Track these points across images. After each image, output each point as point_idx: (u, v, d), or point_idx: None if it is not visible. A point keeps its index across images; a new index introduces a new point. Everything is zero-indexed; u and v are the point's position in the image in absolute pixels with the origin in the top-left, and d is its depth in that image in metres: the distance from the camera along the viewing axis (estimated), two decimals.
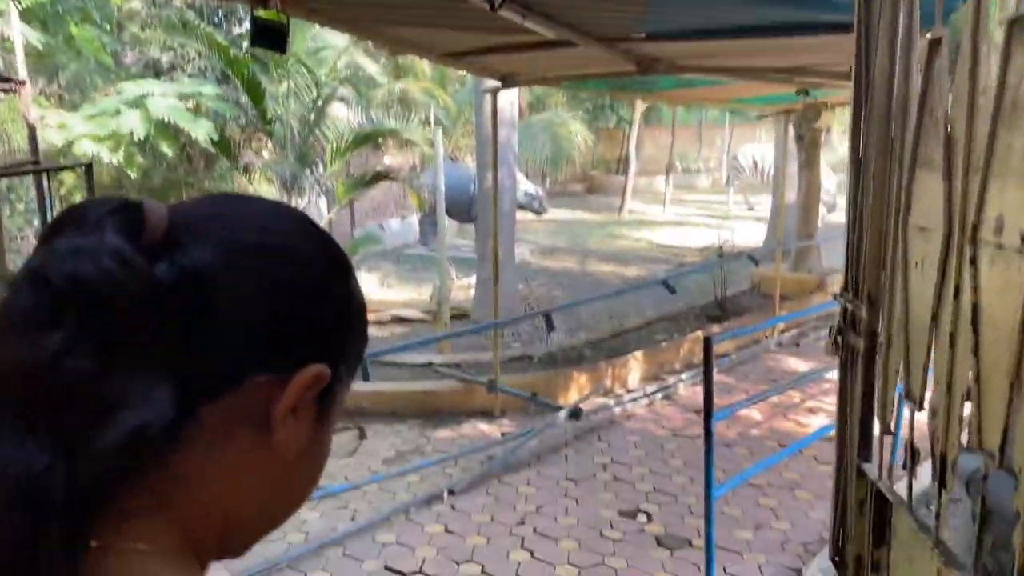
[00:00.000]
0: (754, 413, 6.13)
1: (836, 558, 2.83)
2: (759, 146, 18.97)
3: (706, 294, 9.44)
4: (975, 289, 1.84)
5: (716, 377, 7.07)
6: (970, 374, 1.83)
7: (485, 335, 7.12)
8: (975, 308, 1.83)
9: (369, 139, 6.39)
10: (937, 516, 2.01)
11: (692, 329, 7.86)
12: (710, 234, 15.42)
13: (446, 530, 4.28)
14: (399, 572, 3.84)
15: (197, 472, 0.51)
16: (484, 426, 5.84)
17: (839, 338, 2.77)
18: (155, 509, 0.50)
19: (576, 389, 6.33)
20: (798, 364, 7.37)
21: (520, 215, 18.34)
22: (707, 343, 3.18)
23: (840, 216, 15.17)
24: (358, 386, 5.96)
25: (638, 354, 6.80)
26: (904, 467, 2.25)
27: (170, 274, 0.49)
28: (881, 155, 2.48)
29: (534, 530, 4.28)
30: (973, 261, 1.86)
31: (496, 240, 5.92)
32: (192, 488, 0.52)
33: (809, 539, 4.25)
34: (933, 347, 2.08)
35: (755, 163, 17.62)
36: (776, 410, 6.20)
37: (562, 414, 5.59)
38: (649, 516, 4.48)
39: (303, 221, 0.59)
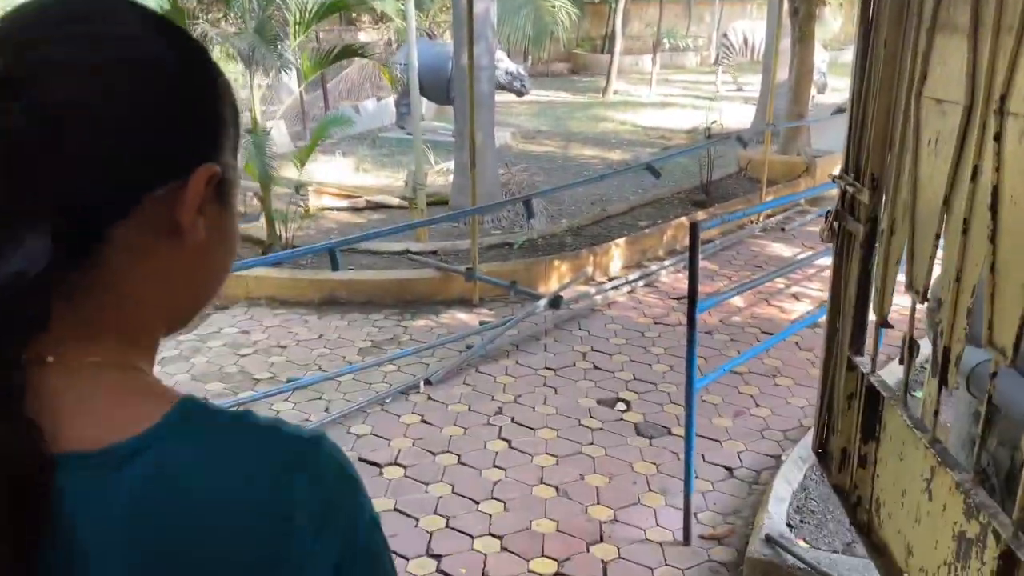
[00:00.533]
0: (737, 299, 6.03)
1: (820, 450, 2.75)
2: (750, 23, 18.21)
3: (692, 178, 9.19)
4: (997, 169, 1.63)
5: (700, 263, 6.94)
6: (984, 264, 1.65)
7: (463, 222, 6.90)
8: (995, 191, 1.63)
9: (335, 9, 5.91)
10: (936, 414, 1.88)
11: (676, 215, 7.66)
12: (697, 116, 14.98)
13: (422, 421, 4.20)
14: (374, 463, 3.78)
15: (127, 285, 0.57)
16: (462, 315, 5.71)
17: (836, 223, 2.58)
18: (101, 325, 0.56)
19: (557, 277, 6.18)
20: (783, 249, 7.25)
21: (501, 96, 17.71)
22: (693, 228, 2.99)
23: (831, 97, 14.74)
24: (331, 275, 5.78)
25: (620, 241, 6.63)
26: (900, 361, 2.11)
27: (23, 118, 0.50)
28: (895, 18, 2.21)
29: (512, 420, 4.22)
30: (997, 137, 1.64)
31: (473, 122, 5.59)
32: (127, 300, 0.57)
33: (789, 426, 4.22)
34: (942, 234, 1.90)
35: (745, 40, 16.93)
36: (759, 296, 6.10)
37: (542, 303, 5.46)
38: (628, 405, 4.43)
39: (150, 20, 0.58)
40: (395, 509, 3.42)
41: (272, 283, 5.88)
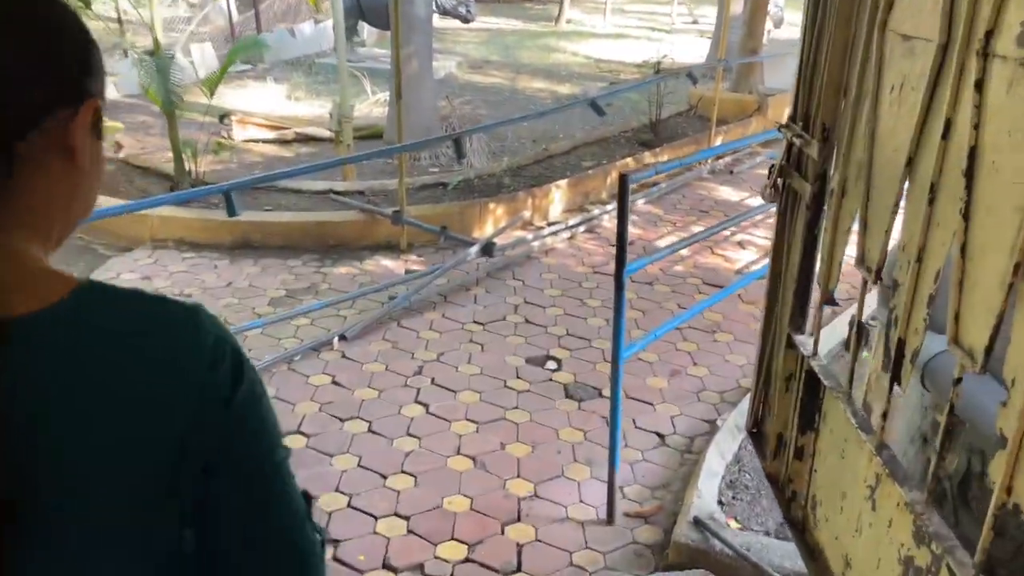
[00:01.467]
0: (680, 247, 5.74)
1: (754, 430, 2.48)
2: None
3: (640, 115, 8.80)
4: (976, 126, 1.29)
5: (642, 207, 6.62)
6: (954, 243, 1.34)
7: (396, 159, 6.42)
8: (972, 153, 1.29)
9: None
10: (884, 415, 1.59)
11: (623, 155, 7.29)
12: (650, 49, 14.49)
13: (333, 382, 3.85)
14: None
15: (32, 195, 0.71)
16: (388, 262, 5.32)
17: (780, 180, 2.24)
18: (15, 223, 0.70)
19: (492, 221, 5.80)
20: (731, 193, 6.96)
21: (448, 24, 16.91)
22: (623, 182, 2.63)
23: (787, 32, 14.29)
24: (245, 216, 5.31)
25: (561, 183, 6.25)
26: (846, 347, 1.82)
27: None
28: None
29: (432, 381, 3.89)
30: (979, 85, 1.29)
31: (397, 46, 5.08)
32: (33, 208, 0.71)
33: (726, 387, 3.98)
34: (903, 202, 1.57)
35: None
36: (703, 244, 5.82)
37: (473, 249, 5.09)
38: (559, 363, 4.13)
39: None
40: None
41: (179, 224, 5.38)
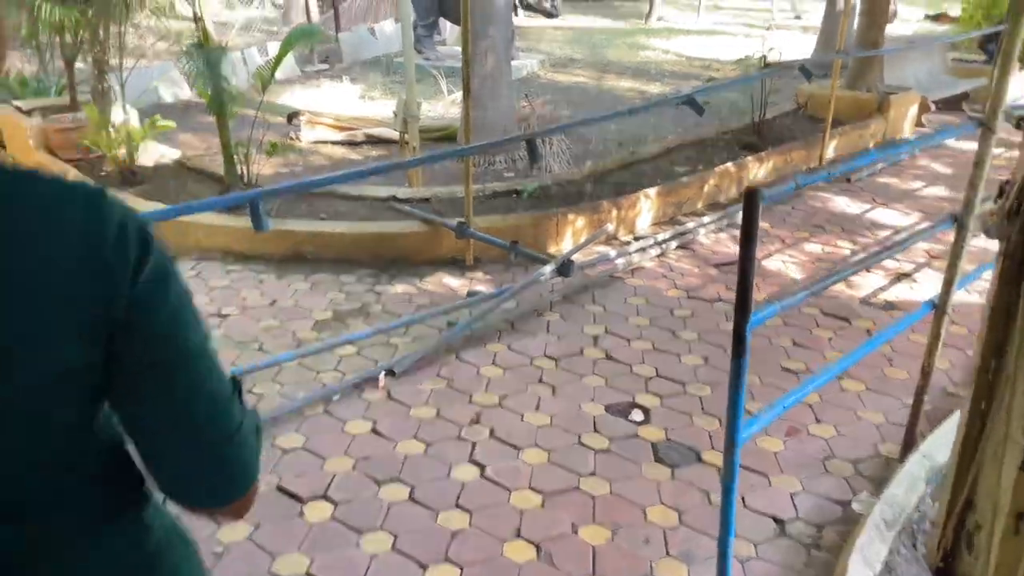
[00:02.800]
0: (790, 268, 4.91)
1: (941, 565, 1.70)
2: None
3: (740, 116, 7.93)
4: None
5: None
6: None
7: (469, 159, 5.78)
8: None
9: None
10: None
11: (721, 159, 6.45)
12: (749, 45, 13.48)
13: (373, 430, 3.22)
14: (294, 496, 2.81)
15: None
16: (451, 280, 4.68)
17: (1020, 205, 1.46)
18: None
19: (571, 235, 5.09)
20: (848, 204, 6.03)
21: (532, 21, 16.28)
22: (751, 199, 1.89)
23: (900, 28, 13.08)
24: (297, 226, 4.79)
25: (651, 191, 5.48)
26: None
27: None
28: None
29: (490, 433, 3.21)
30: None
31: (467, 35, 4.43)
32: None
33: (860, 454, 3.15)
34: None
35: None
36: (819, 264, 4.96)
37: (548, 268, 4.39)
38: (647, 414, 3.39)
39: None
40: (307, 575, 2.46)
41: (226, 233, 4.88)
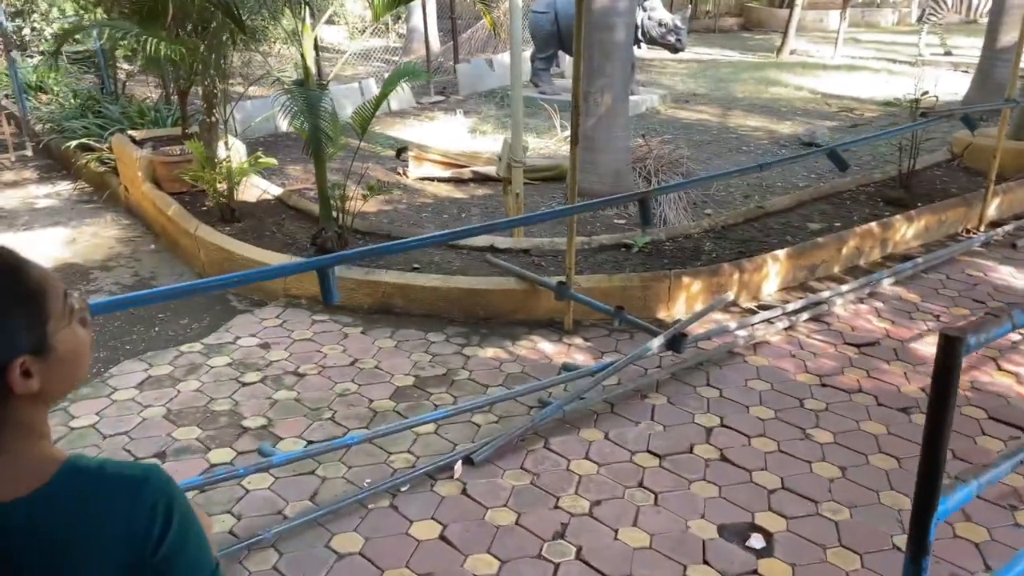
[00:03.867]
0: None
1: None
2: None
3: (882, 163, 7.16)
4: None
5: (889, 290, 5.04)
6: None
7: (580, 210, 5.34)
8: None
9: None
10: None
11: (862, 216, 5.73)
12: (894, 84, 12.46)
13: (442, 537, 2.79)
14: None
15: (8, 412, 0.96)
16: (547, 345, 4.22)
17: None
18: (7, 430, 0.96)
19: (684, 300, 4.54)
20: (1015, 276, 5.18)
21: (654, 53, 15.72)
22: (949, 346, 1.33)
23: None
24: (387, 276, 4.47)
25: (779, 252, 4.85)
26: None
27: None
28: None
29: (576, 553, 2.72)
30: None
31: (579, 83, 3.99)
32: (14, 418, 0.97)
33: None
34: None
35: None
36: (984, 356, 4.19)
37: (656, 342, 3.86)
38: (769, 540, 2.80)
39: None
40: None
41: (313, 281, 4.61)
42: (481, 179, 7.47)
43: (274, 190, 6.06)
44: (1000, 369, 4.03)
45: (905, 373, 3.97)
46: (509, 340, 4.26)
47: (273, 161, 5.91)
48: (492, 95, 11.75)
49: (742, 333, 4.29)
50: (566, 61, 12.96)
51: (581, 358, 4.08)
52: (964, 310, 4.67)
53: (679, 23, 10.51)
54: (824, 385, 3.87)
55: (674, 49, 10.81)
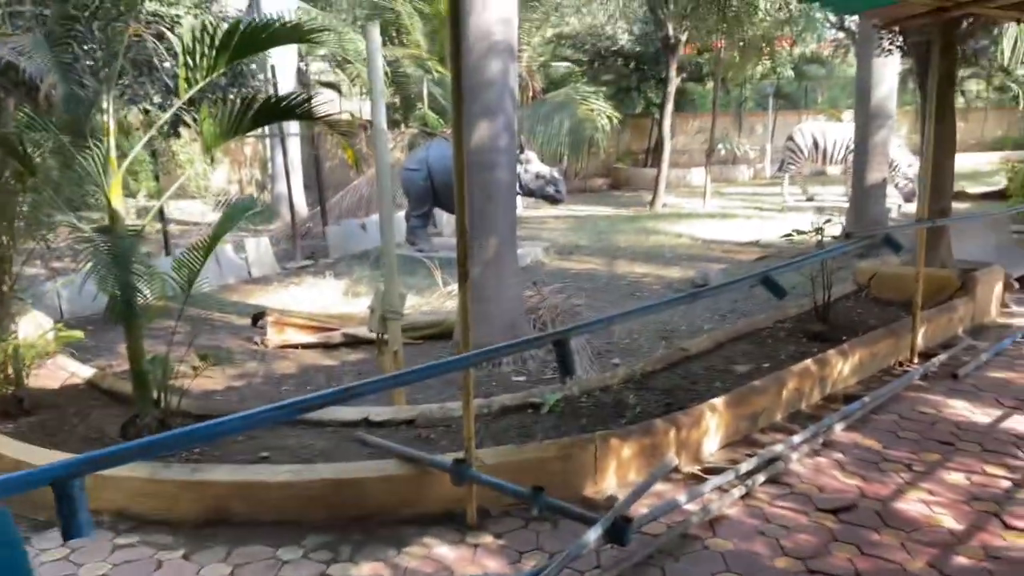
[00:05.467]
0: (938, 513, 3.37)
1: None
2: (821, 124, 16.13)
3: (793, 298, 6.71)
4: None
5: (844, 436, 4.30)
6: None
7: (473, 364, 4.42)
8: None
9: (257, 44, 3.70)
10: None
11: (788, 354, 5.10)
12: (766, 227, 12.66)
13: None
14: None
15: None
16: (446, 550, 3.12)
17: None
18: None
19: (616, 470, 3.60)
20: (968, 408, 4.57)
21: (531, 211, 15.66)
22: None
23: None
24: (219, 475, 3.31)
25: (717, 402, 4.04)
26: None
27: None
28: None
29: None
30: None
31: (464, 219, 3.19)
32: None
33: None
34: None
35: (815, 143, 14.77)
36: (976, 507, 3.42)
37: (593, 532, 2.85)
38: None
39: None
40: None
41: (121, 486, 3.37)
42: (355, 342, 6.47)
43: (85, 372, 4.81)
44: (1008, 527, 3.24)
45: (903, 544, 3.12)
46: (393, 547, 3.12)
47: (78, 334, 4.70)
48: (365, 256, 10.98)
49: (694, 508, 3.36)
50: (443, 219, 12.50)
51: (494, 565, 2.99)
52: (935, 455, 3.95)
53: (556, 174, 10.28)
54: (812, 572, 2.94)
55: (554, 200, 10.53)
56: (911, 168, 14.03)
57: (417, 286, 8.86)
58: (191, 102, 4.10)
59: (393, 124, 14.51)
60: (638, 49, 20.04)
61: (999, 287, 6.48)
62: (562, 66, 22.44)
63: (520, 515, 3.35)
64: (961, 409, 4.55)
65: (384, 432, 3.85)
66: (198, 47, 3.63)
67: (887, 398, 4.66)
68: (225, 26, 3.71)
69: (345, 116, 5.87)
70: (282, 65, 12.32)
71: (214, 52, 3.67)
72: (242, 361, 6.04)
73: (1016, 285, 6.87)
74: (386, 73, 14.15)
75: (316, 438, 3.82)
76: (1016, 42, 12.67)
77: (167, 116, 4.11)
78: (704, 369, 4.86)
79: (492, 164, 5.67)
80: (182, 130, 6.76)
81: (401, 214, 11.65)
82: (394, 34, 15.20)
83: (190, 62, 3.67)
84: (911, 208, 14.09)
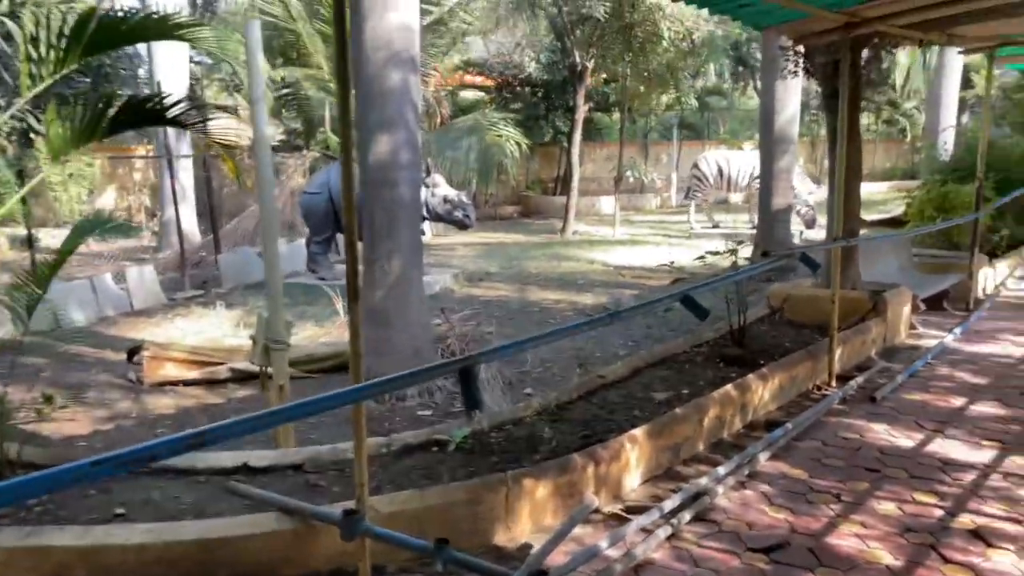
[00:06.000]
0: (873, 548, 3.14)
1: None
2: (725, 152, 16.45)
3: (711, 323, 6.56)
4: None
5: (770, 467, 4.07)
6: None
7: (371, 401, 3.99)
8: None
9: (115, 39, 3.22)
10: None
11: (706, 379, 4.88)
12: (676, 253, 12.69)
13: None
14: None
15: None
16: None
17: None
18: None
19: (530, 514, 3.22)
20: (891, 434, 4.42)
21: (441, 237, 15.30)
22: None
23: (821, 233, 12.50)
24: (63, 536, 2.76)
25: (637, 433, 3.73)
26: None
27: None
28: None
29: None
30: None
31: (354, 232, 2.78)
32: None
33: None
34: None
35: (720, 171, 15.01)
36: (911, 539, 3.21)
37: None
38: None
39: None
40: None
41: None
42: (244, 377, 5.90)
43: None
44: (947, 561, 3.04)
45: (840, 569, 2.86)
46: None
47: None
48: (261, 286, 10.32)
49: (616, 553, 3.02)
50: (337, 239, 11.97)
51: None
52: (863, 483, 3.75)
53: (464, 198, 9.96)
54: None
55: (463, 225, 10.19)
56: (811, 196, 14.44)
57: (317, 315, 8.32)
58: (38, 103, 3.55)
59: (295, 148, 13.94)
60: (546, 77, 20.11)
61: (907, 308, 6.51)
62: (471, 93, 22.36)
63: (421, 572, 2.93)
64: (883, 433, 4.40)
65: (267, 479, 3.36)
66: (43, 35, 3.11)
67: (809, 424, 4.47)
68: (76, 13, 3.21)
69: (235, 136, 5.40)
70: (172, 85, 11.62)
71: (63, 43, 3.16)
72: (113, 401, 5.40)
73: (922, 306, 6.93)
74: (288, 96, 13.61)
75: (185, 489, 3.29)
76: (907, 77, 13.26)
77: (5, 116, 3.53)
78: (622, 397, 4.57)
79: (393, 181, 5.29)
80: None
81: (301, 241, 11.07)
82: (295, 55, 14.70)
83: (34, 54, 3.14)
84: (813, 235, 14.47)
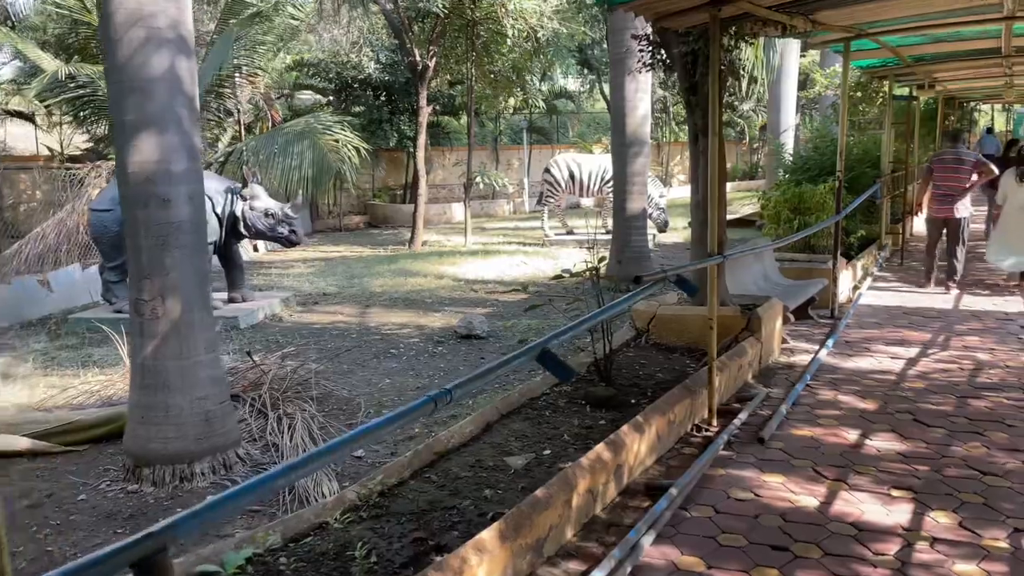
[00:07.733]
0: None
1: None
2: (575, 155, 15.94)
3: (572, 352, 5.77)
4: None
5: (658, 555, 3.14)
6: None
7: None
8: None
9: None
10: None
11: (572, 433, 3.99)
12: (532, 264, 11.96)
13: None
14: None
15: None
16: None
17: None
18: None
19: None
20: (794, 492, 3.70)
21: (274, 254, 13.81)
22: None
23: (673, 236, 12.14)
24: None
25: (486, 536, 2.74)
26: None
27: None
28: None
29: None
30: None
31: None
32: None
33: None
34: None
35: (572, 175, 14.44)
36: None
37: None
38: None
39: None
40: None
41: None
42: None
43: None
44: None
45: None
46: None
47: None
48: (45, 322, 8.60)
49: None
50: None
51: None
52: (772, 570, 2.96)
53: (288, 211, 8.68)
54: None
55: (289, 242, 8.91)
56: (663, 198, 14.14)
57: (104, 359, 6.84)
58: None
59: (100, 157, 12.06)
60: (387, 78, 18.95)
61: (779, 322, 5.96)
62: (308, 97, 20.80)
63: None
64: (780, 491, 3.66)
65: None
66: None
67: (695, 482, 3.68)
68: None
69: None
70: None
71: None
72: None
73: (792, 318, 6.43)
74: (84, 97, 11.74)
75: None
76: (749, 81, 13.20)
77: None
78: (470, 468, 3.59)
79: (164, 198, 4.05)
80: None
81: (95, 268, 9.37)
82: (95, 51, 12.78)
83: None
84: (665, 239, 14.19)
